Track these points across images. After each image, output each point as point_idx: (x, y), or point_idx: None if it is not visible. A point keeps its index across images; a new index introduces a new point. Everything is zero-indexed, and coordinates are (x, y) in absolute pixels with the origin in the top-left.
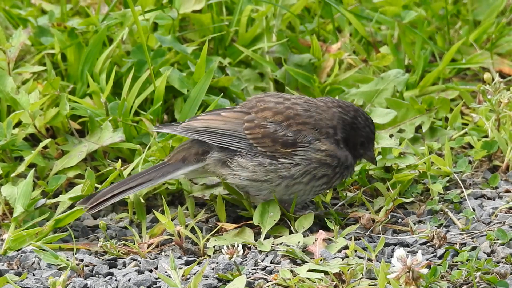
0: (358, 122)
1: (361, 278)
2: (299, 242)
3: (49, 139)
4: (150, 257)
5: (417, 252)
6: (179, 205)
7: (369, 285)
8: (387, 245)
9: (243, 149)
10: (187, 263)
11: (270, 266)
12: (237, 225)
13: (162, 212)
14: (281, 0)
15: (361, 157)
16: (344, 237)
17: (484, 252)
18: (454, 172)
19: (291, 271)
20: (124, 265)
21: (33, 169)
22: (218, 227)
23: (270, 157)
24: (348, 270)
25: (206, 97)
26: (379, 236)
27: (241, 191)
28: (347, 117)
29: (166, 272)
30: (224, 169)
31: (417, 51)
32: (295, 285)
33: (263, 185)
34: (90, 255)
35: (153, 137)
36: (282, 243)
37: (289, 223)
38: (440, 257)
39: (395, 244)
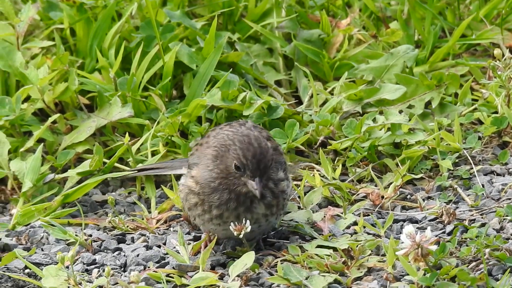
0: (232, 143)
1: (370, 255)
2: (308, 219)
3: (58, 114)
4: (158, 233)
5: (426, 228)
6: None
7: (378, 261)
8: (396, 221)
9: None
10: (196, 239)
11: (278, 242)
12: None
13: (171, 188)
14: None
15: (243, 186)
16: (353, 213)
17: (493, 229)
18: (464, 148)
19: (300, 247)
20: (132, 240)
21: (42, 144)
22: None
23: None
24: (357, 246)
25: (215, 72)
26: (388, 212)
27: None
28: (224, 138)
29: (174, 247)
30: None
31: (427, 26)
32: (304, 261)
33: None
34: (98, 230)
35: (162, 113)
36: (291, 219)
37: (298, 199)
38: (449, 234)
39: (404, 221)
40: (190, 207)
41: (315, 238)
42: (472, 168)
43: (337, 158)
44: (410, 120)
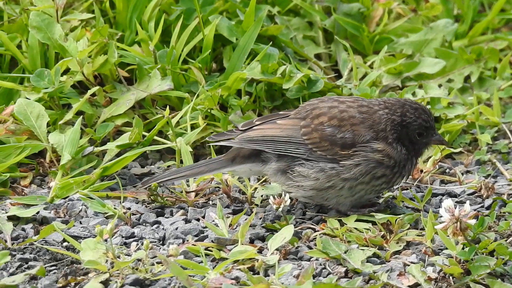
0: (408, 118)
1: (409, 229)
2: None
3: (97, 87)
4: (197, 206)
5: (465, 202)
6: None
7: (417, 235)
8: (434, 195)
9: (302, 154)
10: (235, 212)
11: (317, 215)
12: None
13: None
14: None
15: (427, 145)
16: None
17: None
18: (503, 123)
19: (339, 221)
20: (171, 213)
21: (81, 116)
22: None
23: (331, 161)
24: (396, 220)
25: (255, 45)
26: (426, 186)
27: (307, 201)
28: (395, 117)
29: (213, 221)
30: (286, 180)
31: (466, 1)
32: (343, 234)
33: (328, 192)
34: (137, 203)
35: (201, 86)
36: None
37: None
38: (487, 208)
39: (442, 195)
40: (371, 178)
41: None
42: (511, 142)
43: None
44: (449, 94)
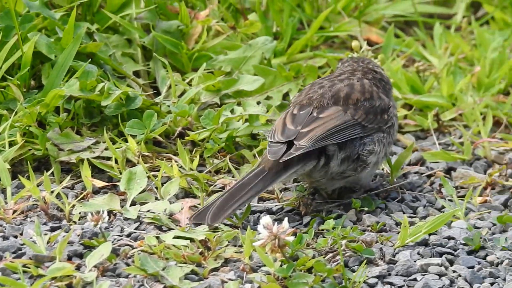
0: (378, 68)
1: (227, 246)
2: (165, 210)
3: None
4: (15, 223)
5: (283, 219)
6: (45, 171)
7: (235, 252)
8: (253, 212)
9: (359, 133)
10: (53, 229)
11: (135, 232)
12: (107, 183)
13: (28, 178)
14: None
15: None
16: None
17: (350, 220)
18: None
19: (157, 237)
20: None
21: None
22: (87, 190)
23: (378, 130)
24: (214, 237)
25: (73, 63)
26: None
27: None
28: (376, 73)
29: (31, 238)
30: (348, 166)
31: (285, 18)
32: (161, 251)
33: (379, 164)
34: None
35: (20, 103)
36: (148, 210)
37: (155, 190)
38: (306, 225)
39: (261, 212)
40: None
41: (172, 229)
42: None
43: (194, 149)
44: (267, 111)
